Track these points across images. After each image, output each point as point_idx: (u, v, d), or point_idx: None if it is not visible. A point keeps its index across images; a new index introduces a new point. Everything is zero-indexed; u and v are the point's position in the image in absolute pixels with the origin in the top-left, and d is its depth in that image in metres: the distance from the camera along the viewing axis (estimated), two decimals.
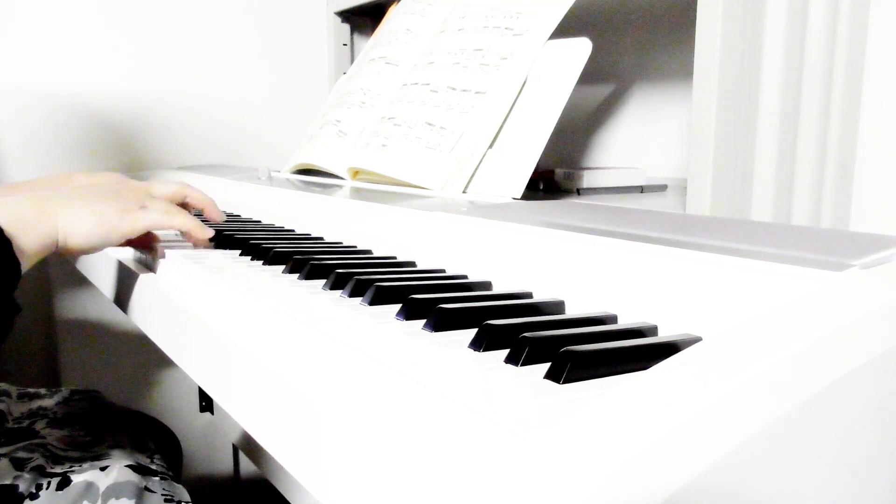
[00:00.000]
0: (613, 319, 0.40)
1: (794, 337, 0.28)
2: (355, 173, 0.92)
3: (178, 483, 0.79)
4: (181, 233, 0.65)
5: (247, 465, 1.45)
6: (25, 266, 0.52)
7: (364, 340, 0.36)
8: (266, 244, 0.61)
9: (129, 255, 0.71)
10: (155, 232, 0.64)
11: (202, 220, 0.65)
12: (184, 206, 0.66)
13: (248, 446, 1.21)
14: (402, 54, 0.95)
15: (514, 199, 0.70)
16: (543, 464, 0.22)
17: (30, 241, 0.52)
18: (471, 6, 0.87)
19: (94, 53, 1.26)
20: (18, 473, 0.67)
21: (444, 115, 0.80)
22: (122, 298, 0.67)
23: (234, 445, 1.42)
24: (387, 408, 0.30)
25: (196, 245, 0.65)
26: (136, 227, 0.58)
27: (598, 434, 0.23)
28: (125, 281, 0.65)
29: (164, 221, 0.59)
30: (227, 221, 0.78)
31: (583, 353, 0.30)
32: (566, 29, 0.76)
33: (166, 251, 0.62)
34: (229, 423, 1.27)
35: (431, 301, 0.41)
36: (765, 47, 0.69)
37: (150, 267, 0.64)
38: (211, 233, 0.63)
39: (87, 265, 0.82)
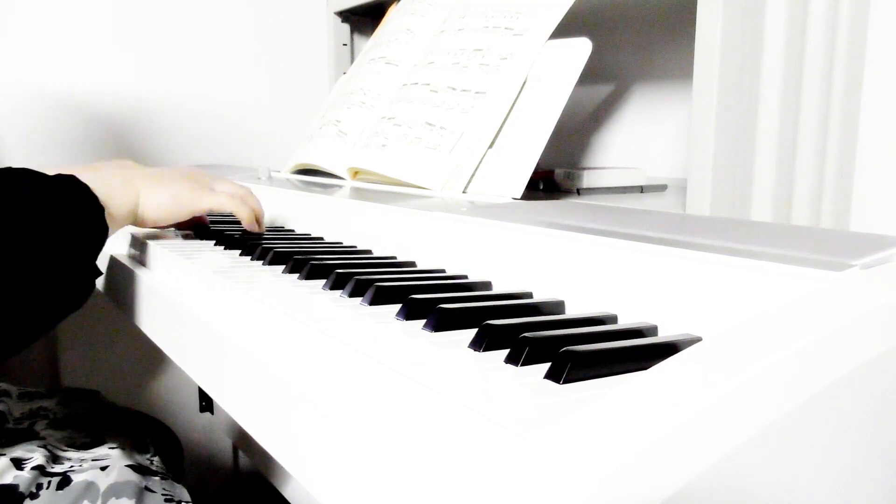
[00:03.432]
0: (613, 319, 0.40)
1: (794, 337, 0.28)
2: (355, 173, 0.92)
3: (179, 483, 0.79)
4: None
5: (247, 465, 1.45)
6: (112, 232, 0.59)
7: (364, 340, 0.36)
8: (266, 244, 0.61)
9: (125, 251, 0.71)
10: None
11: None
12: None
13: (247, 445, 1.21)
14: (402, 54, 0.95)
15: (514, 199, 0.70)
16: (543, 464, 0.22)
17: (118, 209, 0.60)
18: (471, 6, 0.87)
19: (94, 53, 1.26)
20: (18, 473, 0.67)
21: (444, 115, 0.80)
22: (122, 298, 0.67)
23: (233, 445, 1.42)
24: (387, 407, 0.30)
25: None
26: (202, 205, 0.67)
27: (597, 434, 0.23)
28: (123, 280, 0.65)
29: (227, 205, 0.67)
30: (227, 221, 0.78)
31: (583, 353, 0.30)
32: (566, 29, 0.76)
33: (167, 251, 0.62)
34: (229, 423, 1.27)
35: (431, 301, 0.41)
36: (765, 47, 0.69)
37: (148, 265, 0.64)
38: (259, 229, 0.70)
39: None
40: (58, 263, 0.52)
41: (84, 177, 0.57)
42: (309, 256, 0.55)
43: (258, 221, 0.71)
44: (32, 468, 0.68)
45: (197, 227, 0.74)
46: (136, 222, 0.64)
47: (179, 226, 0.73)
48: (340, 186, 0.87)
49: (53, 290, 0.52)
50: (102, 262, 0.73)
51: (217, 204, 0.67)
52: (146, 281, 0.61)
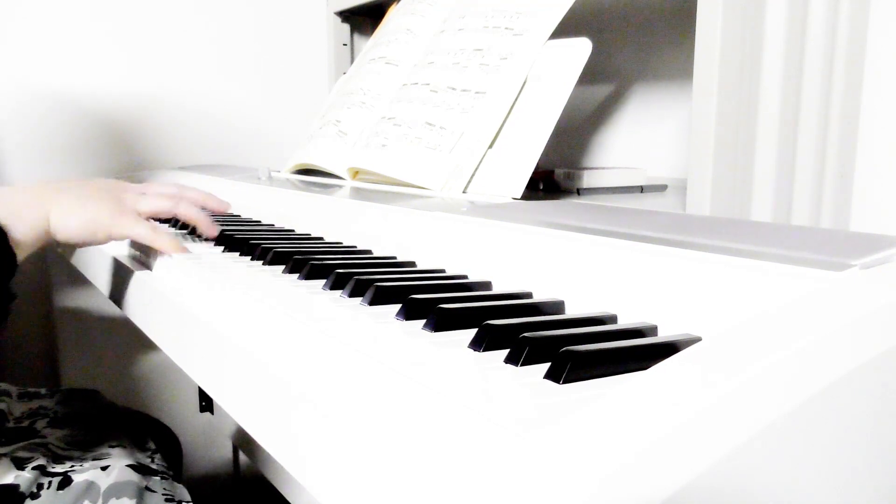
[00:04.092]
0: (613, 319, 0.40)
1: (794, 337, 0.28)
2: (355, 173, 0.92)
3: (179, 483, 0.79)
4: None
5: (247, 465, 1.45)
6: (21, 256, 0.53)
7: (364, 340, 0.36)
8: (266, 244, 0.61)
9: (126, 252, 0.71)
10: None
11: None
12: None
13: (248, 445, 1.21)
14: (402, 54, 0.95)
15: (514, 199, 0.70)
16: (543, 463, 0.22)
17: (24, 232, 0.54)
18: (471, 6, 0.87)
19: (94, 53, 1.26)
20: (19, 473, 0.67)
21: (444, 115, 0.80)
22: (122, 298, 0.67)
23: (234, 445, 1.42)
24: (387, 407, 0.30)
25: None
26: (122, 232, 0.60)
27: (597, 434, 0.23)
28: (124, 281, 0.65)
29: (146, 237, 0.60)
30: (227, 221, 0.78)
31: (583, 353, 0.30)
32: (566, 29, 0.76)
33: None
34: (229, 423, 1.27)
35: (431, 301, 0.41)
36: (765, 47, 0.69)
37: (149, 266, 0.64)
38: (177, 251, 0.61)
39: (85, 263, 0.82)
40: None
41: None
42: (309, 256, 0.55)
43: (207, 227, 0.66)
44: (33, 468, 0.68)
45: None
46: (50, 242, 0.58)
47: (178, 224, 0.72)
48: (340, 186, 0.87)
49: None
50: (103, 263, 0.73)
51: (136, 235, 0.60)
52: (146, 281, 0.61)
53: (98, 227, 0.58)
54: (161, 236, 0.61)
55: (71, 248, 0.64)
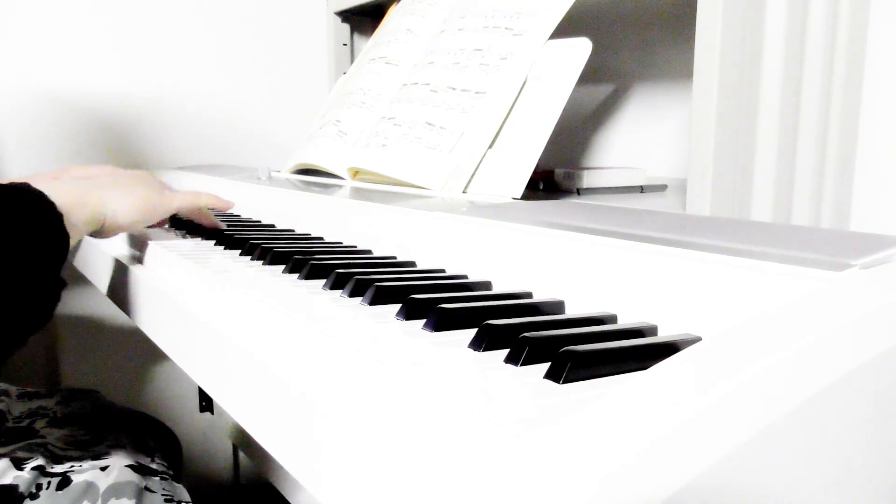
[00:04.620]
0: (613, 319, 0.40)
1: (794, 337, 0.28)
2: (355, 173, 0.92)
3: (178, 483, 0.79)
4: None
5: (247, 465, 1.45)
6: (74, 240, 0.56)
7: (364, 340, 0.36)
8: (266, 244, 0.61)
9: (126, 252, 0.71)
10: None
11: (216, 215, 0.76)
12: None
13: (247, 446, 1.21)
14: (402, 54, 0.95)
15: (514, 199, 0.70)
16: (543, 463, 0.22)
17: (80, 216, 0.58)
18: (471, 6, 0.87)
19: (94, 53, 1.26)
20: (18, 473, 0.67)
21: (444, 115, 0.80)
22: (122, 298, 0.67)
23: (234, 445, 1.42)
24: (387, 407, 0.30)
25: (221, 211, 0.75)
26: (172, 205, 0.68)
27: (597, 434, 0.23)
28: (124, 281, 0.65)
29: (193, 200, 0.70)
30: (227, 221, 0.78)
31: (583, 353, 0.30)
32: (566, 29, 0.76)
33: (167, 251, 0.62)
34: (229, 423, 1.27)
35: (431, 301, 0.41)
36: (765, 47, 0.69)
37: (148, 266, 0.64)
38: (233, 203, 0.74)
39: (85, 263, 0.82)
40: (16, 275, 0.49)
41: (39, 185, 0.54)
42: (309, 256, 0.55)
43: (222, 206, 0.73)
44: (32, 468, 0.68)
45: (195, 227, 0.74)
46: (105, 228, 0.62)
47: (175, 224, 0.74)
48: (340, 186, 0.87)
49: (14, 304, 0.49)
50: (103, 263, 0.73)
51: (185, 202, 0.69)
52: (146, 281, 0.61)
53: (152, 204, 0.65)
54: (201, 195, 0.71)
55: (127, 231, 0.70)
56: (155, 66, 1.32)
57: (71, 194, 0.57)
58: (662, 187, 0.92)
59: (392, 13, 1.07)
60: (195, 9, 1.35)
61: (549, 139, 0.71)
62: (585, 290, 0.43)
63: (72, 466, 0.71)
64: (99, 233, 0.62)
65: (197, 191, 0.72)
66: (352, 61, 1.45)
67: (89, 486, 0.68)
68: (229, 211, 0.74)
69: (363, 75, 1.00)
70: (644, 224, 0.49)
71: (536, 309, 0.42)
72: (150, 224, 0.67)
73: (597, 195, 0.86)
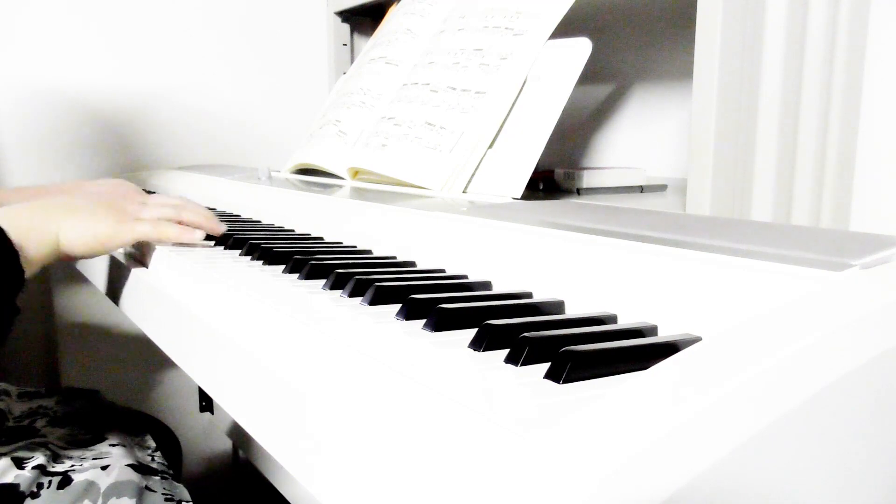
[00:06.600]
0: (613, 319, 0.40)
1: (794, 337, 0.28)
2: (355, 173, 0.92)
3: (179, 482, 0.79)
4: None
5: (247, 465, 1.45)
6: (30, 273, 0.56)
7: (364, 340, 0.36)
8: (266, 244, 0.61)
9: (125, 252, 0.71)
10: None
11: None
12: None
13: (247, 445, 1.21)
14: (402, 54, 0.95)
15: (514, 199, 0.70)
16: (543, 463, 0.22)
17: (35, 250, 0.57)
18: (471, 6, 0.87)
19: (94, 53, 1.26)
20: (19, 472, 0.67)
21: (444, 115, 0.80)
22: (121, 298, 0.67)
23: (233, 445, 1.42)
24: (387, 407, 0.30)
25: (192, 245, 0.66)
26: (125, 239, 0.63)
27: (597, 434, 0.23)
28: (124, 280, 0.65)
29: (150, 233, 0.64)
30: (227, 221, 0.78)
31: (582, 353, 0.30)
32: (566, 29, 0.76)
33: (166, 251, 0.62)
34: (229, 423, 1.27)
35: (431, 301, 0.41)
36: (765, 47, 0.69)
37: (148, 266, 0.64)
38: (195, 237, 0.66)
39: (84, 262, 0.83)
40: None
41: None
42: (309, 256, 0.55)
43: (207, 227, 0.67)
44: (33, 467, 0.68)
45: None
46: (62, 258, 0.61)
47: None
48: (340, 186, 0.87)
49: None
50: (103, 262, 0.73)
51: (140, 234, 0.63)
52: (146, 281, 0.61)
53: (104, 240, 0.62)
54: (165, 228, 0.64)
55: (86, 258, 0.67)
56: (155, 66, 1.32)
57: (28, 225, 0.57)
58: (662, 187, 0.92)
59: (392, 13, 1.07)
60: (196, 9, 1.35)
61: (549, 139, 0.71)
62: (585, 290, 0.43)
63: (72, 465, 0.71)
64: (58, 259, 0.61)
65: (173, 209, 0.66)
66: (352, 61, 1.45)
67: (90, 485, 0.68)
68: (229, 211, 0.73)
69: (363, 75, 1.00)
70: (644, 224, 0.49)
71: (536, 309, 0.42)
72: (105, 253, 0.64)
73: (597, 195, 0.86)
